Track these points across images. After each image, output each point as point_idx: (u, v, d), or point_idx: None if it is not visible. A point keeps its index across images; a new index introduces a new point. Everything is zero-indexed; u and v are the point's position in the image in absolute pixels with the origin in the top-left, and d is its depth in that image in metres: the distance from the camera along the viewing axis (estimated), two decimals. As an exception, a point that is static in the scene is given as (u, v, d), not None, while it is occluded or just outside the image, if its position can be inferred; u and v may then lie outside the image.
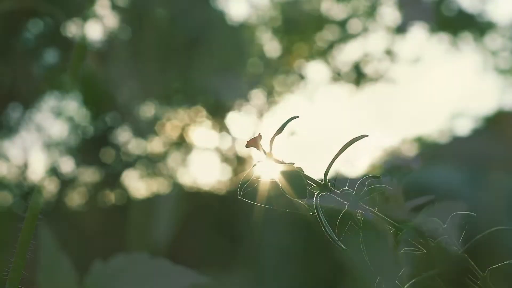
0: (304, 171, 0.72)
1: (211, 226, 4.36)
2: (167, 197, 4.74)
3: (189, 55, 4.54)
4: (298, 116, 0.73)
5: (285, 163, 0.71)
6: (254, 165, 0.72)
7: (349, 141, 0.71)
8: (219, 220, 4.39)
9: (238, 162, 5.36)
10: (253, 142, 0.71)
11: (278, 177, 0.71)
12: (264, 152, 0.72)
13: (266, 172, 0.73)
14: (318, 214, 0.71)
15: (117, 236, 4.17)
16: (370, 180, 0.71)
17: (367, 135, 0.71)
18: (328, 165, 0.71)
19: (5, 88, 4.46)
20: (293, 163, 0.72)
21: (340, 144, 0.72)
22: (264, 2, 6.42)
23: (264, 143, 0.73)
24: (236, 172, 5.37)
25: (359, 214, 0.70)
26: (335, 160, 0.71)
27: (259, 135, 0.72)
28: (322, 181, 0.71)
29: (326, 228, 0.71)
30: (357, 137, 0.71)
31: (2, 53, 4.32)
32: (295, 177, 0.70)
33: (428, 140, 8.03)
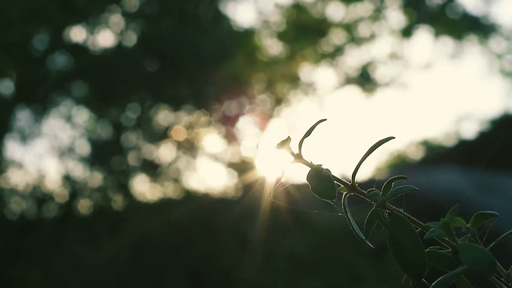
0: (331, 172, 0.74)
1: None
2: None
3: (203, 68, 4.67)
4: (326, 119, 0.75)
5: (313, 165, 0.73)
6: (286, 167, 0.73)
7: (376, 143, 0.73)
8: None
9: (246, 168, 5.38)
10: (283, 145, 0.73)
11: (307, 179, 0.72)
12: (294, 154, 0.74)
13: (295, 173, 0.75)
14: (346, 214, 0.73)
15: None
16: (396, 181, 0.72)
17: (394, 137, 0.73)
18: (356, 166, 0.73)
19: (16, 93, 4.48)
20: (321, 165, 0.73)
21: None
22: (272, 9, 6.45)
23: (292, 145, 0.74)
24: (243, 176, 5.39)
25: (386, 214, 0.72)
26: (363, 162, 0.73)
27: (289, 138, 0.74)
28: (350, 182, 0.73)
29: (354, 228, 0.73)
30: (384, 139, 0.72)
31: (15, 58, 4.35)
32: (324, 179, 0.72)
33: (434, 143, 8.04)
